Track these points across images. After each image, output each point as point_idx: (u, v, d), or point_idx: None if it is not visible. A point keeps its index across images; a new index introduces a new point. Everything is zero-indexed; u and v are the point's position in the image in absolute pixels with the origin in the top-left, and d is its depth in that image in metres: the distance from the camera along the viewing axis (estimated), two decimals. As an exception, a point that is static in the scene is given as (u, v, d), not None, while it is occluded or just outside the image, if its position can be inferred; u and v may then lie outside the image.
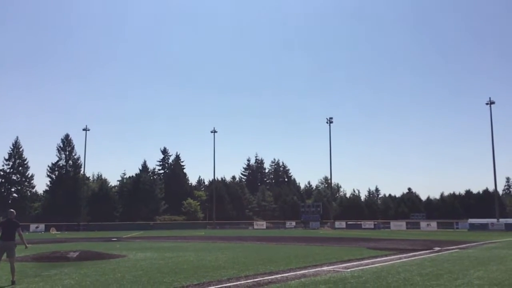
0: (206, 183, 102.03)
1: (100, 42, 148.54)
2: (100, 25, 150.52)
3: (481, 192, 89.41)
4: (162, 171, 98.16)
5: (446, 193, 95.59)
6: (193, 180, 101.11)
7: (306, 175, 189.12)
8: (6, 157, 74.79)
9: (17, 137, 76.57)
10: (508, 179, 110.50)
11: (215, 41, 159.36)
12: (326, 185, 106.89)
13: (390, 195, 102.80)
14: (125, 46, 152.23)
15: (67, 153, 76.73)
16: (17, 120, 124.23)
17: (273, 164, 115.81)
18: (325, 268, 13.77)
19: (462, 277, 11.59)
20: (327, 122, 72.68)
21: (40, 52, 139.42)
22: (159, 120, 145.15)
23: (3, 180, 73.84)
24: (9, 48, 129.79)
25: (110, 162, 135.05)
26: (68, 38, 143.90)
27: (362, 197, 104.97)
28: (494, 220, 57.98)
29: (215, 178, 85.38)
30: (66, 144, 77.00)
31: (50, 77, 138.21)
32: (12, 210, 11.84)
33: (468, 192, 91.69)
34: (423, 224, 64.59)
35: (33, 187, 78.25)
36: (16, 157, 75.38)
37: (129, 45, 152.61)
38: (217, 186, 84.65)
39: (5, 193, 73.65)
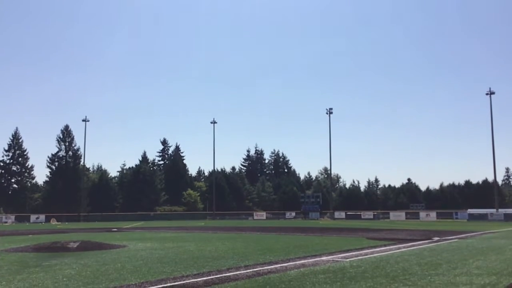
0: (206, 174, 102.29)
1: (99, 34, 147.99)
2: (99, 16, 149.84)
3: (480, 182, 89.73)
4: (162, 162, 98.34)
5: (445, 184, 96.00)
6: (193, 171, 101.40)
7: (305, 165, 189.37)
8: (6, 148, 75.00)
9: (17, 128, 76.74)
10: (507, 169, 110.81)
11: (214, 32, 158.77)
12: (326, 175, 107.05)
13: (389, 185, 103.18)
14: (124, 37, 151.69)
15: (67, 144, 76.75)
16: (17, 111, 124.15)
17: (273, 155, 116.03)
18: (324, 258, 13.81)
19: (461, 266, 11.63)
20: (327, 113, 72.69)
21: (39, 44, 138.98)
22: (159, 111, 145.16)
23: (3, 171, 73.99)
24: (9, 39, 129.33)
25: (110, 153, 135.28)
26: (67, 29, 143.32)
27: (362, 188, 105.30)
28: (493, 210, 58.21)
29: (215, 169, 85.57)
30: (66, 135, 76.99)
31: (50, 68, 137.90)
32: None
33: (468, 183, 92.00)
34: (422, 214, 64.83)
35: (33, 178, 78.62)
36: (16, 148, 75.43)
37: (129, 37, 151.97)
38: (217, 177, 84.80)
39: (5, 184, 73.83)
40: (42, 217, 63.20)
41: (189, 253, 15.66)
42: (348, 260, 13.16)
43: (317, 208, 70.92)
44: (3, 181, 73.84)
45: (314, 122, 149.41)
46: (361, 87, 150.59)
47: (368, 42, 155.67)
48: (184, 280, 9.62)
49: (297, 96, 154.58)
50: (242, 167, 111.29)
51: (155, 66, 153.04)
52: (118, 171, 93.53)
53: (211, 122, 77.34)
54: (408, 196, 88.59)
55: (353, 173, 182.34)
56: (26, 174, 76.55)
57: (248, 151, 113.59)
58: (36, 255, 15.30)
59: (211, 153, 78.87)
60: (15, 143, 75.49)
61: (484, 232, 28.41)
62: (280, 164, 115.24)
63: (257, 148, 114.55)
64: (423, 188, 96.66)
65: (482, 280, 9.49)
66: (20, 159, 75.60)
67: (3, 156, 74.40)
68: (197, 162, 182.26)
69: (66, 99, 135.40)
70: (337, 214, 69.61)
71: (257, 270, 11.08)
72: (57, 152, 76.26)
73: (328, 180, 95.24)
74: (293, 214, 73.59)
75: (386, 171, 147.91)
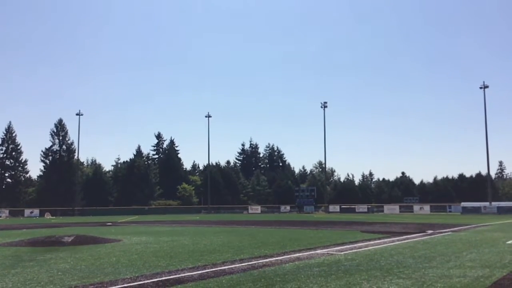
0: (201, 168, 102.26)
1: (93, 26, 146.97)
2: (93, 8, 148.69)
3: (474, 175, 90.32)
4: (156, 156, 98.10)
5: (439, 177, 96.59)
6: (187, 165, 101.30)
7: (300, 159, 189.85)
8: (-1, 142, 74.47)
9: (10, 122, 76.31)
10: (501, 163, 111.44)
11: (210, 25, 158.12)
12: (321, 169, 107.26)
13: (383, 179, 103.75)
14: (118, 30, 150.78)
15: (61, 138, 76.38)
16: (10, 105, 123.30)
17: (268, 148, 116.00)
18: (319, 251, 13.86)
19: (455, 259, 11.71)
20: (321, 107, 72.70)
21: (32, 37, 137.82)
22: (153, 105, 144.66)
23: (-4, 165, 73.57)
24: (1, 33, 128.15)
25: (104, 147, 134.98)
26: (60, 22, 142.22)
27: (356, 181, 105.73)
28: (486, 204, 58.57)
29: (210, 163, 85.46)
30: (60, 129, 76.59)
31: (44, 62, 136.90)
32: None
33: (461, 176, 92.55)
34: (416, 207, 65.18)
35: (27, 172, 78.15)
36: (9, 142, 74.99)
37: (123, 29, 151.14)
38: (212, 171, 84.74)
39: (-2, 178, 73.48)
40: (36, 211, 63.00)
41: (184, 247, 15.67)
42: (342, 253, 13.22)
43: (312, 202, 71.09)
44: (-4, 175, 73.53)
45: (309, 116, 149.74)
46: (356, 82, 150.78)
47: (363, 36, 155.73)
48: (179, 274, 9.63)
49: (292, 90, 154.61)
50: (237, 161, 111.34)
51: (150, 60, 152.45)
52: (112, 165, 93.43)
53: (206, 116, 77.29)
54: (402, 190, 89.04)
55: (348, 166, 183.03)
56: (20, 168, 76.16)
57: (243, 145, 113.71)
58: (31, 250, 15.25)
59: (206, 147, 78.70)
60: (9, 137, 75.04)
61: (477, 225, 28.60)
62: (275, 158, 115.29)
63: (252, 142, 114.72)
64: (417, 181, 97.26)
65: (475, 272, 9.57)
66: (13, 153, 75.19)
67: (-4, 151, 74.02)
68: (191, 156, 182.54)
69: (60, 93, 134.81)
70: (331, 208, 69.83)
71: (252, 264, 11.11)
72: (51, 146, 75.97)
73: (323, 173, 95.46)
74: (288, 207, 73.74)
75: (380, 165, 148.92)
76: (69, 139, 76.84)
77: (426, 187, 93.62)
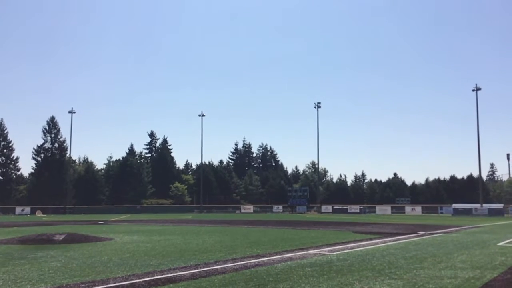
0: (194, 167, 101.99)
1: (87, 24, 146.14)
2: (87, 6, 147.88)
3: (465, 177, 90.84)
4: (149, 155, 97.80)
5: (431, 178, 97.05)
6: (180, 164, 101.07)
7: (293, 159, 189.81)
8: (-9, 139, 73.82)
9: (2, 119, 75.53)
10: (492, 165, 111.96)
11: (204, 25, 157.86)
12: (313, 169, 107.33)
13: (376, 180, 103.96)
14: (112, 28, 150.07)
15: (53, 135, 75.90)
16: (2, 102, 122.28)
17: (261, 148, 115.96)
18: (311, 251, 13.89)
19: (446, 260, 11.78)
20: (315, 107, 72.81)
21: (25, 33, 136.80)
22: (146, 104, 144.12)
23: (-13, 163, 72.95)
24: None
25: (97, 145, 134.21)
26: (54, 19, 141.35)
27: (349, 182, 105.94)
28: (477, 205, 58.94)
29: (203, 162, 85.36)
30: (52, 127, 76.10)
31: (36, 58, 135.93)
32: None
33: (453, 178, 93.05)
34: (408, 208, 65.48)
35: (18, 169, 77.51)
36: (1, 139, 74.40)
37: (117, 28, 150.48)
38: (205, 170, 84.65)
39: (-11, 176, 72.85)
40: (27, 209, 62.57)
41: (176, 246, 15.65)
42: (334, 253, 13.25)
43: (304, 202, 71.19)
44: (-13, 172, 72.91)
45: (303, 117, 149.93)
46: (349, 83, 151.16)
47: (356, 38, 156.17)
48: (171, 273, 9.61)
49: (285, 90, 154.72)
50: (230, 161, 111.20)
51: (143, 58, 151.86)
52: (104, 164, 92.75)
53: (199, 115, 77.20)
54: (394, 191, 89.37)
55: (340, 167, 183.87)
56: (11, 165, 75.56)
57: (236, 144, 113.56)
58: (22, 247, 15.16)
59: (199, 146, 78.59)
60: (0, 134, 74.47)
61: (468, 227, 28.79)
62: (267, 157, 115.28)
63: (245, 142, 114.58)
64: (409, 182, 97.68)
65: (466, 273, 9.63)
66: (5, 150, 74.59)
67: (-13, 148, 73.39)
68: (184, 155, 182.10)
69: (52, 90, 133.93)
70: (324, 208, 69.98)
71: (244, 263, 11.11)
72: (43, 143, 75.45)
73: (316, 174, 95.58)
74: (280, 207, 73.79)
75: (373, 166, 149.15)
76: (61, 137, 76.43)
77: (418, 188, 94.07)
